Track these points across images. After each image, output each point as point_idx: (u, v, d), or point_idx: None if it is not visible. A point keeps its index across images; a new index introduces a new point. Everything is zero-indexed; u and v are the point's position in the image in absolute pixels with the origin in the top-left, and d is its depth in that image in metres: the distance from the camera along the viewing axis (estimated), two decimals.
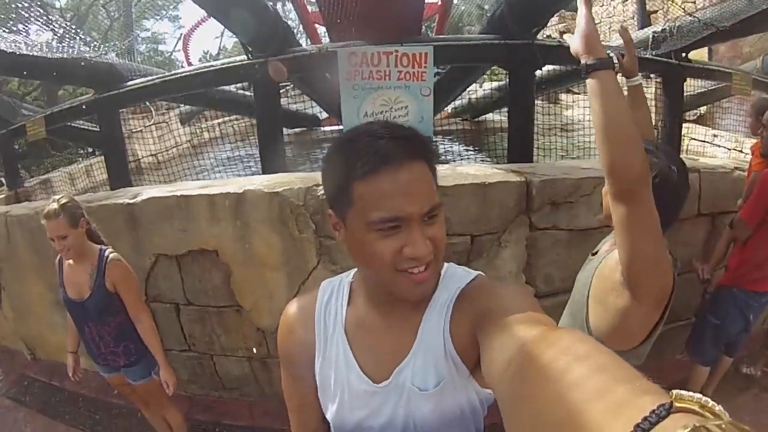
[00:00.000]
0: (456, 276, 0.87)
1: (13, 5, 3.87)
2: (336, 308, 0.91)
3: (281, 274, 2.65)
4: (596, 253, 1.56)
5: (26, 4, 3.74)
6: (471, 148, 7.30)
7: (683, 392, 0.36)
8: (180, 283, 2.87)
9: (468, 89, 6.83)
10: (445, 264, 0.90)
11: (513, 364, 0.58)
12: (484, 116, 7.87)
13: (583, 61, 1.09)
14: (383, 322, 0.86)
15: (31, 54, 3.52)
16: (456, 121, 7.97)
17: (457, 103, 7.22)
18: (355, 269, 0.94)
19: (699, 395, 0.36)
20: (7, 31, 3.70)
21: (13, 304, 3.82)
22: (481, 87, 7.48)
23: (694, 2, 8.65)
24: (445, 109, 7.17)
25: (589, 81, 1.09)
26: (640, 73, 1.65)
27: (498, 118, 7.28)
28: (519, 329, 0.64)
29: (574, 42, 1.13)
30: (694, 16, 3.96)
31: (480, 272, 0.89)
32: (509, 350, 0.61)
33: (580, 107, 8.33)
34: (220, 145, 7.81)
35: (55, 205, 2.12)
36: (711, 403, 0.35)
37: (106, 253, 2.27)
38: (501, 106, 6.48)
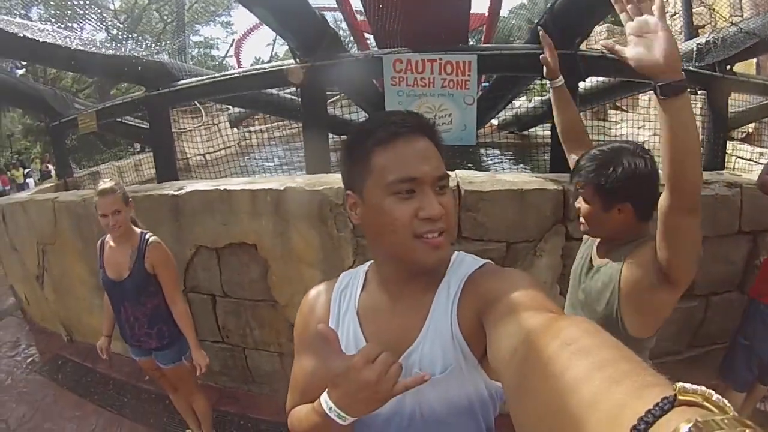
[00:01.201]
0: (465, 263, 0.89)
1: (70, 3, 4.05)
2: (351, 293, 0.95)
3: (317, 271, 2.68)
4: (592, 261, 1.55)
5: (83, 3, 3.90)
6: (516, 160, 7.24)
7: (687, 385, 0.36)
8: (218, 274, 2.94)
9: (514, 102, 6.79)
10: (455, 252, 0.92)
11: (518, 354, 0.58)
12: (528, 130, 7.79)
13: (663, 82, 1.01)
14: (393, 305, 0.88)
15: (86, 50, 3.66)
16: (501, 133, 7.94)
17: (503, 115, 7.15)
18: (372, 261, 0.97)
19: (703, 388, 0.35)
20: (62, 26, 3.86)
21: (54, 286, 3.97)
22: (530, 101, 7.44)
23: (742, 15, 8.40)
24: (492, 122, 7.14)
25: (665, 103, 1.03)
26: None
27: (543, 132, 7.24)
28: (524, 316, 0.65)
29: (648, 59, 1.01)
30: (738, 26, 3.83)
31: (488, 260, 0.90)
32: (514, 338, 0.62)
33: (629, 125, 8.27)
34: (265, 148, 8.02)
35: (109, 184, 2.26)
36: (715, 396, 0.35)
37: (147, 236, 2.37)
38: (546, 119, 6.41)
